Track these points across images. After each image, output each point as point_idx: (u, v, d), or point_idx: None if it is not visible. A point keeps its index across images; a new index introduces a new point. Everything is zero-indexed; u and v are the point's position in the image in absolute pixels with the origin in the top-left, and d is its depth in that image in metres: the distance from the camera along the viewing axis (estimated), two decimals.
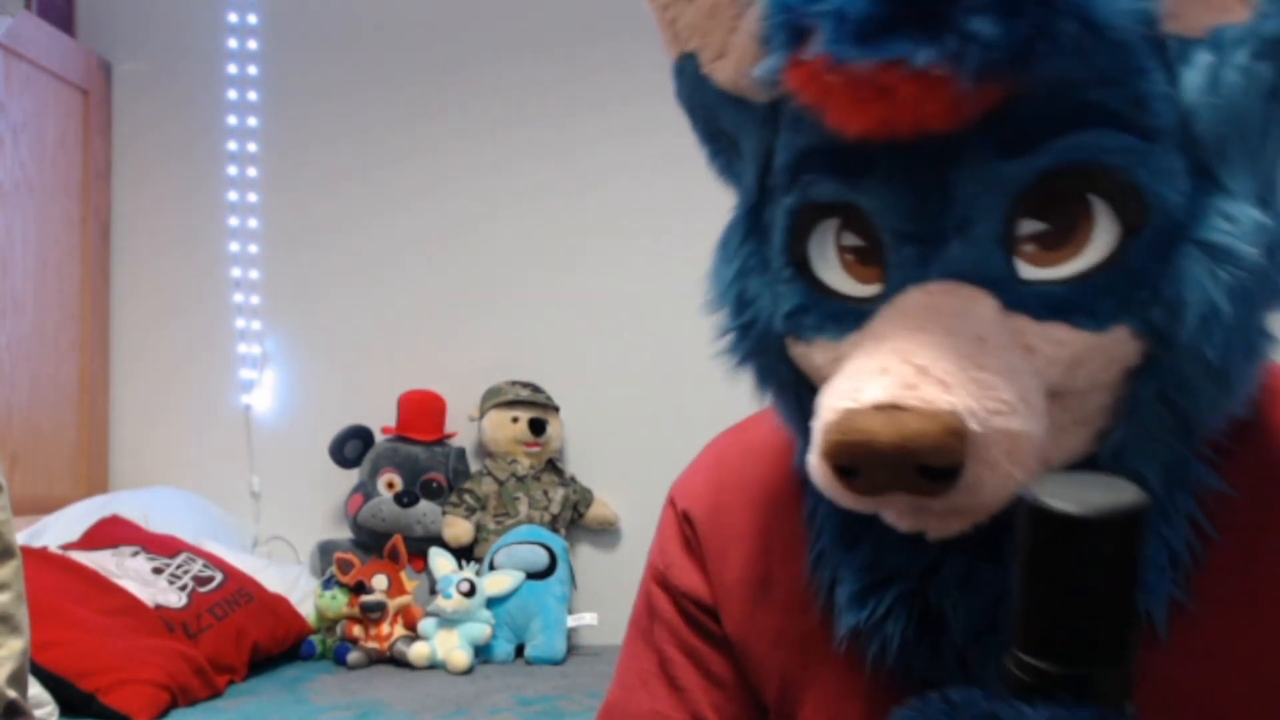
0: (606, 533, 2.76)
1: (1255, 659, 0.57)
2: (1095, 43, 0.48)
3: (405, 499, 2.59)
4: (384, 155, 2.83)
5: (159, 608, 2.06)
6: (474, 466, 2.75)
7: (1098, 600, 0.42)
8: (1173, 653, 0.57)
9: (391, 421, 2.70)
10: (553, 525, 2.62)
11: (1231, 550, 0.57)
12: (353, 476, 2.69)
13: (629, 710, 0.74)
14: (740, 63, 0.56)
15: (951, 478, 0.48)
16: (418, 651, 2.31)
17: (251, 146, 2.88)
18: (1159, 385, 0.52)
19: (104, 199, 2.88)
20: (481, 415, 2.69)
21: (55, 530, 2.30)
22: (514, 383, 2.69)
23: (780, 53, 0.51)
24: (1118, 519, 0.41)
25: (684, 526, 0.74)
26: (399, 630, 2.38)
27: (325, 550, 2.64)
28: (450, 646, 2.30)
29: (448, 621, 2.34)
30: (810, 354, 0.57)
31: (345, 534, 2.71)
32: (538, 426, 2.64)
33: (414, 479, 2.64)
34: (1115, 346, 0.51)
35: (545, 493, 2.65)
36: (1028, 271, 0.52)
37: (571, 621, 2.44)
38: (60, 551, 2.14)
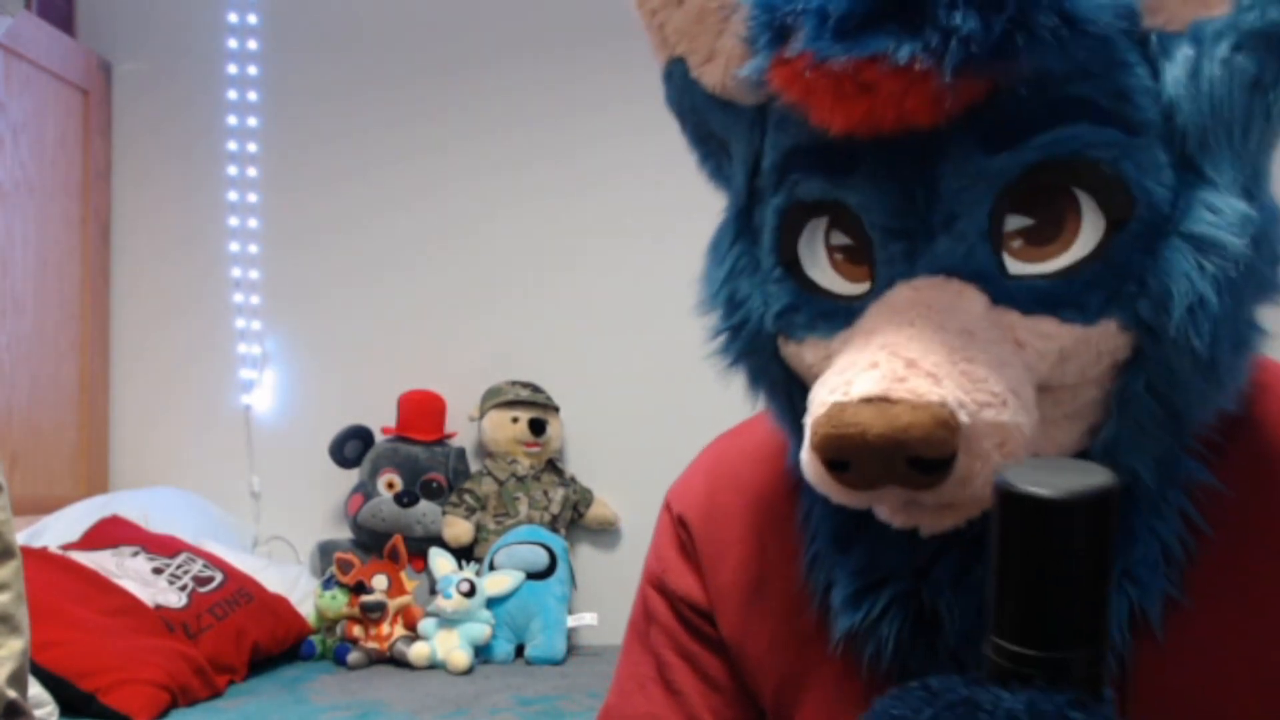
0: (606, 533, 2.76)
1: (1249, 653, 0.57)
2: (1075, 36, 0.48)
3: (405, 499, 2.59)
4: (384, 155, 2.83)
5: (159, 608, 2.06)
6: (474, 466, 2.75)
7: (1071, 583, 0.42)
8: (1167, 648, 0.57)
9: (391, 421, 2.70)
10: (553, 525, 2.62)
11: (1224, 545, 0.57)
12: (353, 476, 2.69)
13: (626, 715, 0.74)
14: (728, 66, 0.57)
15: (942, 470, 0.48)
16: (418, 652, 2.31)
17: (251, 146, 2.88)
18: (1148, 378, 0.52)
19: (104, 199, 2.88)
20: (481, 415, 2.69)
21: (55, 530, 2.30)
22: (514, 383, 2.69)
23: (764, 52, 0.51)
24: (1088, 501, 0.41)
25: (679, 530, 0.74)
26: (399, 630, 2.38)
27: (325, 550, 2.64)
28: (450, 646, 2.30)
29: (448, 621, 2.34)
30: (801, 353, 0.57)
31: (345, 534, 2.71)
32: (538, 426, 2.64)
33: (414, 479, 2.64)
34: (1103, 340, 0.52)
35: (545, 493, 2.65)
36: (1015, 266, 0.52)
37: (571, 621, 2.44)
38: (60, 551, 2.14)
